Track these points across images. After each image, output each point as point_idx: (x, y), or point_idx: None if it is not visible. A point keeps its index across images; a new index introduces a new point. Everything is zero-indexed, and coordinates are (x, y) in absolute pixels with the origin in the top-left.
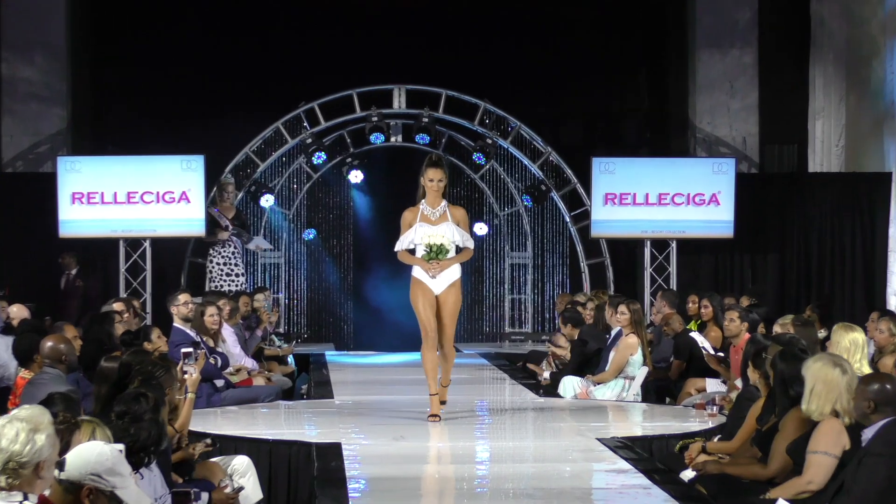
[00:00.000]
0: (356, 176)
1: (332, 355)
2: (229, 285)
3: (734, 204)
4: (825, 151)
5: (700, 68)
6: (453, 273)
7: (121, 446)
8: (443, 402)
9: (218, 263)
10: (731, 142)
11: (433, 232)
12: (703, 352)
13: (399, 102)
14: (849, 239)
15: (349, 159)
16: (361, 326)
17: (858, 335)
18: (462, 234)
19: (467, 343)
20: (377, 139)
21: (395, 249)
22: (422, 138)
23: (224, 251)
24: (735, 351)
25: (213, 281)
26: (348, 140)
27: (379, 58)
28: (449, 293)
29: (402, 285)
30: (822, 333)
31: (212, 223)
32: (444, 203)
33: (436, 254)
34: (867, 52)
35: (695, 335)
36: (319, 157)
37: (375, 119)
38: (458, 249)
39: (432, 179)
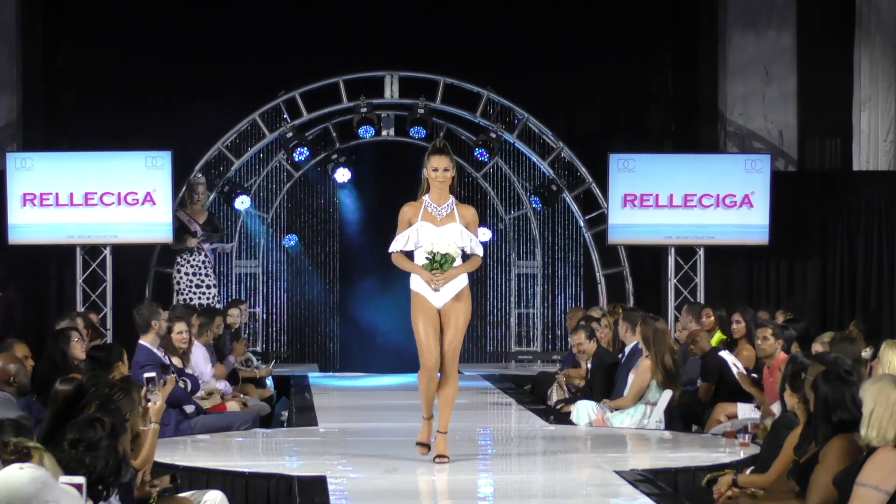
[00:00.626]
0: (343, 174)
1: (315, 377)
2: (199, 298)
3: (769, 206)
4: (872, 146)
5: (732, 51)
6: (459, 281)
7: (75, 479)
8: (442, 458)
9: (186, 274)
10: (765, 135)
11: (437, 236)
12: (735, 372)
13: (391, 91)
14: None
15: (335, 156)
16: (349, 345)
17: None
18: (470, 239)
19: (468, 364)
20: (366, 133)
21: (391, 250)
22: (417, 132)
23: (193, 260)
24: (770, 372)
25: (182, 293)
26: (334, 134)
27: (368, 40)
28: (454, 305)
29: (396, 298)
30: (867, 352)
31: (180, 228)
32: (451, 200)
33: (440, 264)
34: None
35: (725, 354)
36: (301, 154)
37: (365, 110)
38: (465, 256)
39: (437, 169)
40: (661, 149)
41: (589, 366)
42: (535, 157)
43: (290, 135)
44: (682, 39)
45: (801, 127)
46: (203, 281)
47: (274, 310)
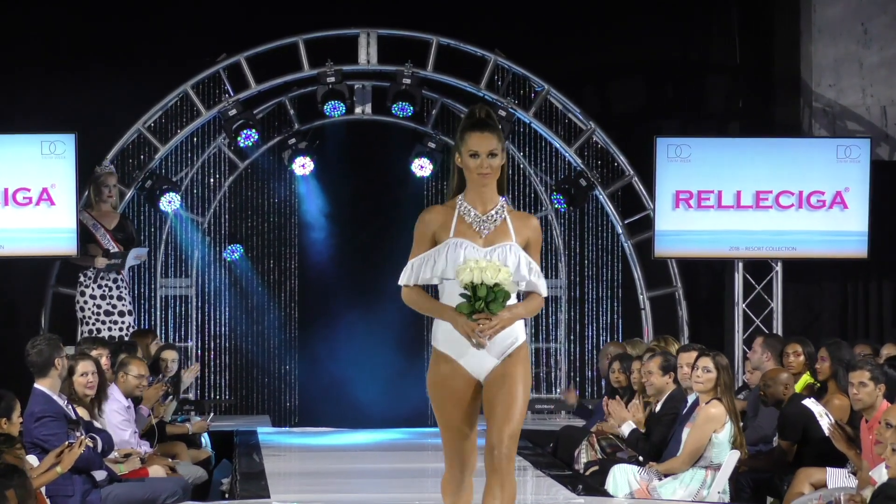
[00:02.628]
0: (303, 165)
1: (267, 433)
2: (110, 330)
3: (869, 207)
4: None
5: (819, 3)
6: (512, 333)
7: None
8: None
9: (93, 297)
10: (864, 114)
11: (481, 258)
12: (825, 426)
13: (367, 55)
14: None
15: (293, 140)
16: (310, 392)
17: None
18: (529, 268)
19: None
20: (335, 110)
21: (402, 282)
22: (402, 108)
23: (104, 279)
24: (869, 428)
25: (87, 323)
26: (291, 111)
27: None
28: (506, 371)
29: (374, 330)
30: None
31: (83, 235)
32: (501, 204)
33: (486, 303)
34: None
35: (810, 403)
36: (248, 138)
37: (332, 80)
38: (520, 295)
39: (477, 154)
40: (724, 132)
41: (657, 409)
42: (557, 143)
43: (233, 112)
44: None
45: None
46: (115, 307)
47: (212, 344)
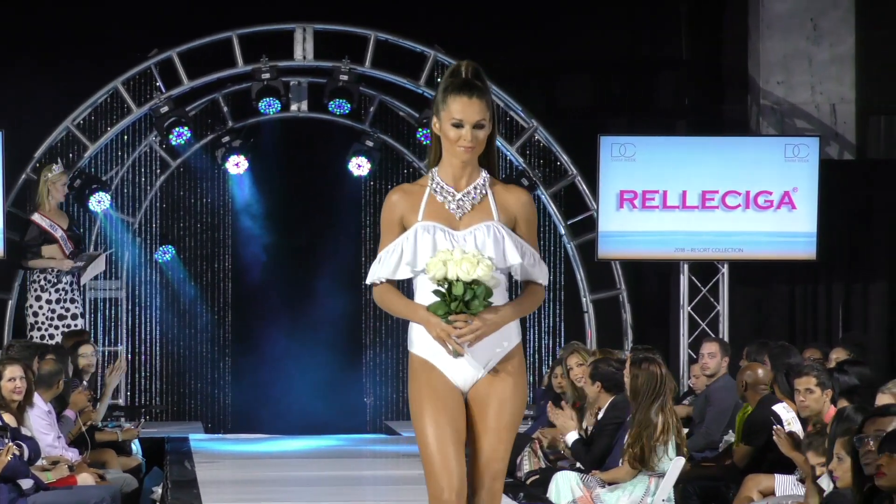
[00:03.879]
0: (237, 164)
1: (199, 440)
2: (62, 334)
3: (818, 207)
4: None
5: None
6: (503, 337)
7: None
8: None
9: (49, 301)
10: (813, 112)
11: (456, 248)
12: (777, 431)
13: (304, 51)
14: None
15: (226, 138)
16: (245, 397)
17: None
18: (521, 250)
19: (407, 422)
20: (270, 107)
21: (370, 280)
22: (338, 105)
23: (61, 282)
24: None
25: (39, 328)
26: (225, 109)
27: None
28: (494, 384)
29: (311, 333)
30: None
31: (37, 237)
32: (482, 178)
33: (463, 302)
34: None
35: (779, 409)
36: (181, 136)
37: (267, 76)
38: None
39: (459, 123)
40: (671, 130)
41: (600, 416)
42: (499, 141)
43: (164, 109)
44: None
45: (861, 100)
46: (68, 310)
47: (143, 348)
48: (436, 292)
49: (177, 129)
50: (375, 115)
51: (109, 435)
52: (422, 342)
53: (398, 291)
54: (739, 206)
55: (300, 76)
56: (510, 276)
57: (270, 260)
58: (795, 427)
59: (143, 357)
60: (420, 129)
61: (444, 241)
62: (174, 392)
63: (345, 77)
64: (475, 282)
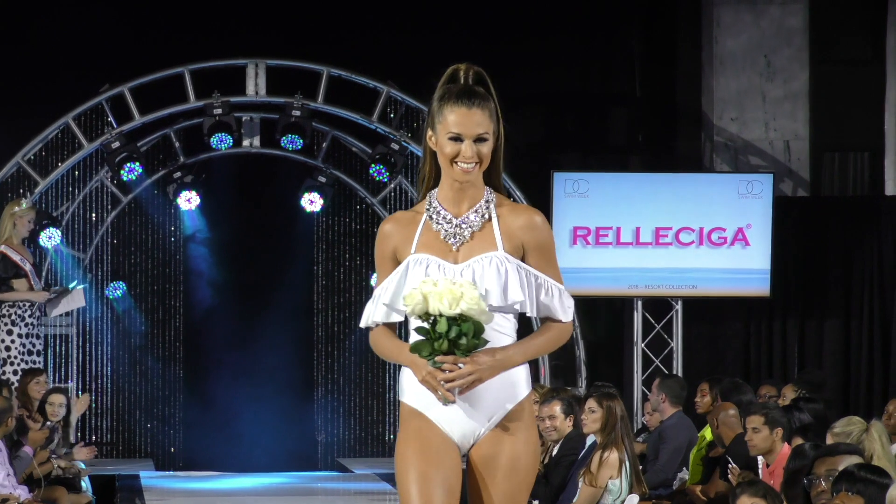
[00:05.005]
0: (189, 200)
1: (150, 477)
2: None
3: (772, 244)
4: None
5: (721, 34)
6: (506, 388)
7: None
8: None
9: (20, 335)
10: (767, 148)
11: (440, 278)
12: (732, 471)
13: (256, 86)
14: None
15: (178, 174)
16: (197, 433)
17: None
18: (530, 284)
19: (359, 459)
20: (222, 143)
21: (364, 324)
22: (291, 141)
23: (29, 316)
24: (770, 473)
25: (13, 362)
26: (177, 144)
27: (225, 17)
28: (502, 443)
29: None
30: None
31: (8, 271)
32: (486, 199)
33: (447, 337)
34: None
35: None
36: (132, 171)
37: (219, 112)
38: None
39: (458, 136)
40: (624, 166)
41: (553, 453)
42: None
43: (116, 145)
44: (655, 20)
45: (814, 137)
46: (35, 345)
47: (94, 385)
48: (418, 329)
49: (128, 164)
50: (328, 150)
51: (66, 460)
52: (412, 389)
53: (390, 332)
54: (693, 242)
55: (252, 112)
56: (524, 316)
57: (222, 296)
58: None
59: (93, 394)
60: (373, 165)
61: (437, 276)
62: (125, 429)
63: (297, 113)
64: (461, 317)
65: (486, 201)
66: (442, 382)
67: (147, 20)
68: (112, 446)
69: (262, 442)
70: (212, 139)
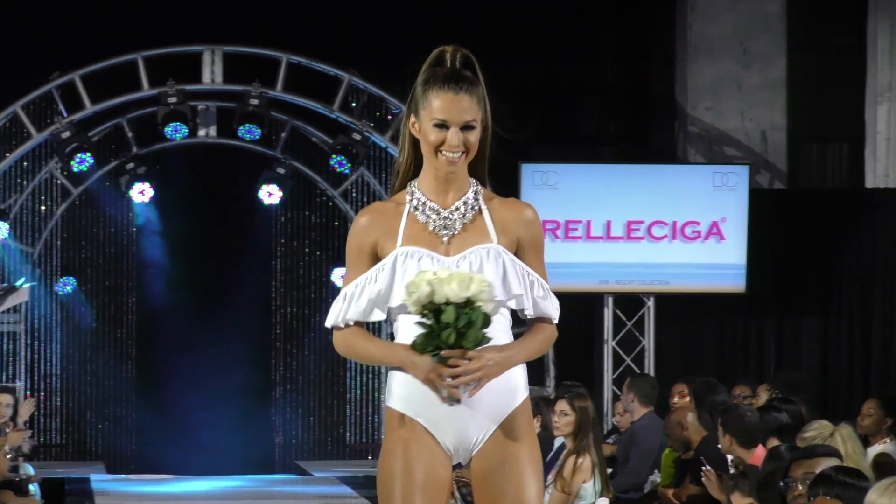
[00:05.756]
0: (142, 192)
1: (101, 481)
2: None
3: (748, 238)
4: (892, 154)
5: (696, 22)
6: (508, 388)
7: None
8: None
9: None
10: (743, 139)
11: (442, 268)
12: (707, 473)
13: (212, 74)
14: None
15: (131, 165)
16: (150, 435)
17: None
18: (528, 279)
19: (319, 462)
20: (177, 132)
21: (330, 323)
22: (248, 131)
23: None
24: None
25: None
26: (130, 134)
27: (181, 2)
28: (508, 450)
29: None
30: (881, 446)
31: None
32: (473, 190)
33: (456, 333)
34: None
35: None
36: (83, 162)
37: (174, 100)
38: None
39: (443, 123)
40: (595, 158)
41: None
42: None
43: (66, 135)
44: (628, 6)
45: (792, 127)
46: None
47: (42, 385)
48: (420, 323)
49: (79, 155)
50: (287, 141)
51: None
52: (402, 393)
53: (369, 333)
54: (666, 236)
55: (208, 100)
56: (514, 315)
57: (177, 292)
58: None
59: (42, 394)
60: (334, 156)
61: (432, 263)
62: (75, 430)
63: (255, 101)
64: (469, 303)
65: (475, 192)
66: (448, 379)
67: (99, 5)
68: (62, 448)
69: (218, 444)
70: (166, 129)
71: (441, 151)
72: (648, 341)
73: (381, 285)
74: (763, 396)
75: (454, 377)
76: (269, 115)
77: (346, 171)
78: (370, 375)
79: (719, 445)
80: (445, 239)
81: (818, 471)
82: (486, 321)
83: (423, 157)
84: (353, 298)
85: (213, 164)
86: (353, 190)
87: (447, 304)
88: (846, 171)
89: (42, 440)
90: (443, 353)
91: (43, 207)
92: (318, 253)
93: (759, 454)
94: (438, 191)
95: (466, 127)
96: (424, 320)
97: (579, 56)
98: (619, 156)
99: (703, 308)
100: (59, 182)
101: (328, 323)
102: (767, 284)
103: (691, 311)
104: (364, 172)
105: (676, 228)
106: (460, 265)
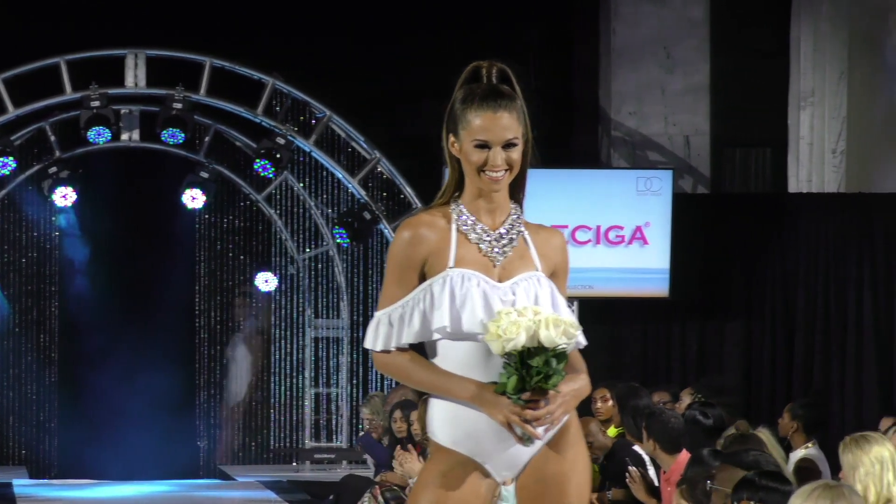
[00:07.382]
0: (65, 196)
1: (23, 486)
2: None
3: (671, 243)
4: (816, 159)
5: (619, 25)
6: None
7: None
8: None
9: None
10: (666, 143)
11: (523, 308)
12: (633, 474)
13: (135, 77)
14: (853, 298)
15: (53, 168)
16: (73, 440)
17: (883, 449)
18: (567, 306)
19: (242, 466)
20: (100, 136)
21: (378, 347)
22: (171, 135)
23: None
24: (667, 480)
25: None
26: (52, 138)
27: (104, 5)
28: (561, 469)
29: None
30: (803, 451)
31: None
32: (513, 212)
33: (543, 374)
34: (882, 2)
35: (641, 449)
36: (5, 166)
37: (97, 104)
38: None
39: (486, 144)
40: None
41: None
42: (340, 173)
43: None
44: (551, 10)
45: (715, 132)
46: None
47: None
48: (507, 362)
49: (1, 158)
50: (211, 145)
51: None
52: (454, 429)
53: (426, 361)
54: (590, 241)
55: (132, 104)
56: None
57: (100, 296)
58: (651, 471)
59: None
60: (258, 160)
61: (492, 296)
62: None
63: (178, 105)
64: (554, 349)
65: (514, 215)
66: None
67: (21, 7)
68: None
69: (142, 448)
70: (89, 133)
71: (484, 171)
72: None
73: (438, 308)
74: (686, 400)
75: (536, 419)
76: (193, 119)
77: (270, 176)
78: (293, 380)
79: (636, 448)
80: (495, 264)
81: (741, 476)
82: (566, 364)
83: (465, 176)
84: (404, 321)
85: (137, 168)
86: (277, 194)
87: (541, 348)
88: (769, 175)
89: None
90: (524, 396)
91: None
92: (241, 257)
93: (681, 459)
94: (484, 210)
95: (508, 145)
96: (510, 361)
97: (502, 60)
98: (542, 160)
99: (627, 312)
100: None
101: (373, 346)
102: (691, 289)
103: (615, 315)
104: (288, 176)
105: (600, 233)
106: (516, 293)
